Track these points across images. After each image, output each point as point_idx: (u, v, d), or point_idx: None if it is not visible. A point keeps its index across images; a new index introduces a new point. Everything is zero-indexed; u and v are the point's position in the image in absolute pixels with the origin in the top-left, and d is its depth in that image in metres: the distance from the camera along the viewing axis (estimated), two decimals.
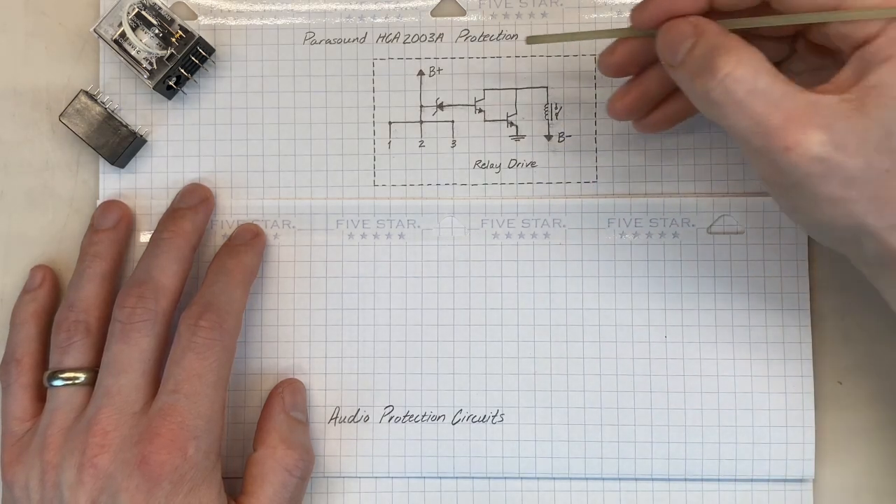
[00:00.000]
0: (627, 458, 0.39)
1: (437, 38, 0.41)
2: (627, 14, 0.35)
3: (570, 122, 0.41)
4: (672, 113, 0.37)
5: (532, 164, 0.41)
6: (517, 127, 0.41)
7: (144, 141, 0.41)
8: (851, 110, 0.30)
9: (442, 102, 0.41)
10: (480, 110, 0.41)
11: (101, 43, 0.41)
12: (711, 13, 0.33)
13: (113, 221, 0.40)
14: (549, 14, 0.41)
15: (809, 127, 0.30)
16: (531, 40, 0.37)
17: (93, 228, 0.40)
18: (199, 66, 0.40)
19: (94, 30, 0.40)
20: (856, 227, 0.31)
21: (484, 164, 0.41)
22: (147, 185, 0.41)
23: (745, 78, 0.30)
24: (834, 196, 0.30)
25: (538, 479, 0.40)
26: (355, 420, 0.40)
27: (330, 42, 0.41)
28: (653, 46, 0.34)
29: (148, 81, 0.39)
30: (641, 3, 0.34)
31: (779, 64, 0.35)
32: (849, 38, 0.31)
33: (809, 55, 0.32)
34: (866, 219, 0.31)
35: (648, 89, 0.37)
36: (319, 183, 0.41)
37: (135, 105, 0.41)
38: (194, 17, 0.41)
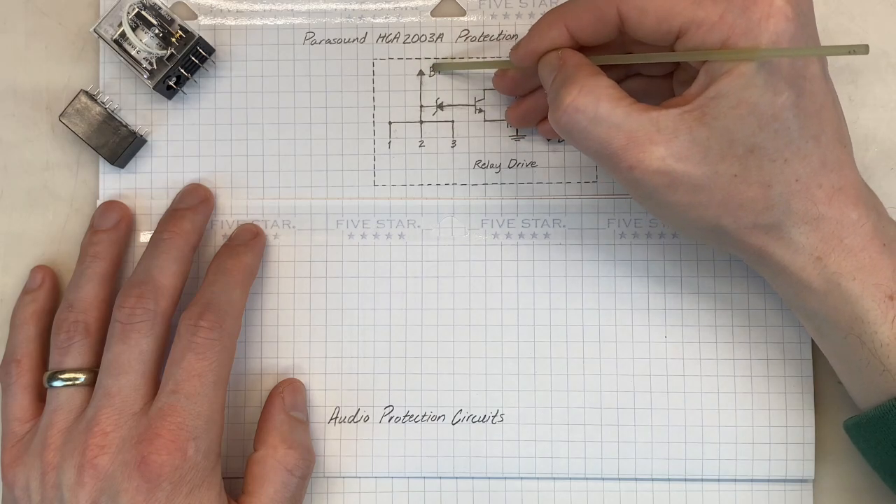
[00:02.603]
0: (627, 458, 0.39)
1: (437, 38, 0.41)
2: None
3: None
4: None
5: (532, 164, 0.41)
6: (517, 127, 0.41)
7: (144, 141, 0.41)
8: (693, 121, 0.31)
9: (442, 102, 0.41)
10: (480, 110, 0.41)
11: (101, 43, 0.41)
12: (584, 49, 0.34)
13: (113, 221, 0.40)
14: None
15: (649, 144, 0.31)
16: (436, 67, 0.40)
17: (93, 228, 0.40)
18: (199, 66, 0.40)
19: (94, 30, 0.40)
20: (714, 228, 0.33)
21: (484, 164, 0.41)
22: (147, 185, 0.41)
23: (587, 107, 0.32)
24: (684, 203, 0.32)
25: (538, 479, 0.40)
26: (355, 420, 0.40)
27: (330, 42, 0.41)
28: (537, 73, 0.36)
29: (148, 81, 0.39)
30: (517, 43, 0.36)
31: (670, 74, 0.37)
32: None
33: (688, 66, 0.34)
34: (721, 221, 0.33)
35: (538, 103, 0.39)
36: (319, 183, 0.41)
37: (135, 105, 0.41)
38: (194, 17, 0.41)
